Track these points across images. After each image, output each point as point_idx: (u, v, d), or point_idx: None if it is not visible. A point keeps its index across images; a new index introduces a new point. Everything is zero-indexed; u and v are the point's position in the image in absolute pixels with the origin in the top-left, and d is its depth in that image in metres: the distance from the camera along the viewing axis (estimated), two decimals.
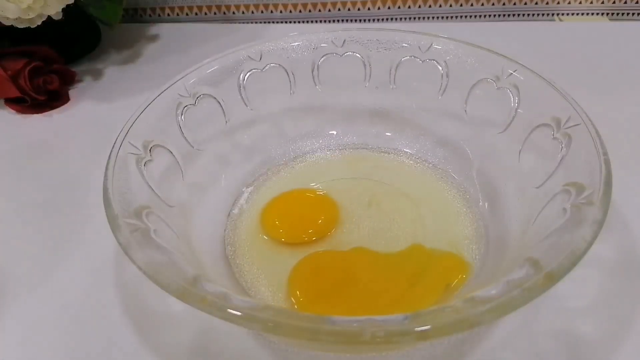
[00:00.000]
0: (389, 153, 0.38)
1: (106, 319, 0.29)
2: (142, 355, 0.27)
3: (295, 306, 0.28)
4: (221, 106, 0.35)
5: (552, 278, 0.20)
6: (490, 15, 0.60)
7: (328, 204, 0.34)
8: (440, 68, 0.35)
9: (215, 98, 0.34)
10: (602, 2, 0.58)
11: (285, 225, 0.33)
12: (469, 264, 0.29)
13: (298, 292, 0.28)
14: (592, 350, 0.26)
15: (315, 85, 0.37)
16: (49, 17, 0.44)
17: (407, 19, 0.61)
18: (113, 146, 0.27)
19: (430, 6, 0.60)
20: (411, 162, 0.37)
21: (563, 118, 0.28)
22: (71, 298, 0.30)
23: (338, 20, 0.62)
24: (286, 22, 0.63)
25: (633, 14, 0.58)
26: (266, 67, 0.36)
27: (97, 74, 0.52)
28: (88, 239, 0.34)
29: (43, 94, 0.47)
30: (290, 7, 0.61)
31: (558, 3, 0.59)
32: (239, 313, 0.19)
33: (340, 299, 0.28)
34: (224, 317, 0.19)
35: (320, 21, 0.62)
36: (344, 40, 0.37)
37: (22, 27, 0.43)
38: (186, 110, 0.32)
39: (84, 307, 0.30)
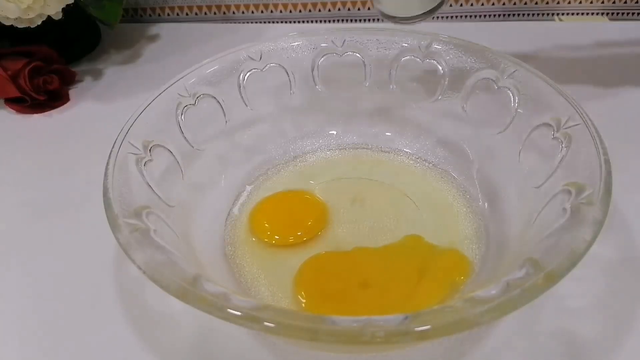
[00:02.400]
0: (389, 153, 0.38)
1: (106, 319, 0.29)
2: (142, 355, 0.27)
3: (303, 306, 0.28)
4: (221, 106, 0.35)
5: (552, 278, 0.20)
6: (490, 15, 0.60)
7: (315, 204, 0.34)
8: (440, 68, 0.35)
9: (215, 98, 0.34)
10: (602, 2, 0.58)
11: (274, 227, 0.32)
12: (472, 261, 0.29)
13: (305, 294, 0.28)
14: (592, 350, 0.26)
15: (315, 85, 0.37)
16: (49, 17, 0.44)
17: None
18: (113, 146, 0.27)
19: None
20: (411, 162, 0.37)
21: (563, 118, 0.28)
22: (71, 298, 0.30)
23: (338, 20, 0.62)
24: (286, 22, 0.63)
25: (633, 13, 0.58)
26: (266, 67, 0.36)
27: (97, 74, 0.52)
28: (88, 239, 0.34)
29: (43, 94, 0.47)
30: (290, 7, 0.61)
31: (558, 3, 0.59)
32: (239, 313, 0.19)
33: (349, 301, 0.28)
34: (224, 317, 0.19)
35: (320, 21, 0.62)
36: (344, 40, 0.37)
37: (22, 27, 0.43)
38: (186, 110, 0.32)
39: (84, 307, 0.30)
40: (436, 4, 0.33)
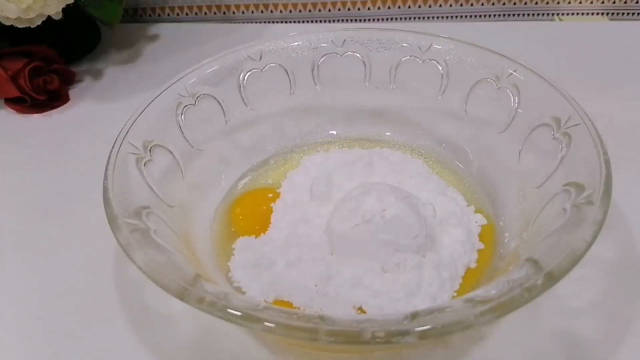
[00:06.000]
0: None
1: (106, 319, 0.29)
2: (142, 355, 0.27)
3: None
4: (221, 106, 0.35)
5: (552, 278, 0.20)
6: (490, 15, 0.60)
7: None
8: (440, 68, 0.35)
9: (215, 98, 0.34)
10: (602, 2, 0.58)
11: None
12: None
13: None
14: (592, 350, 0.26)
15: (315, 85, 0.37)
16: (49, 17, 0.44)
17: (407, 19, 0.61)
18: (113, 146, 0.27)
19: (430, 6, 0.60)
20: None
21: (563, 118, 0.28)
22: (71, 298, 0.30)
23: (338, 20, 0.62)
24: (286, 22, 0.63)
25: (633, 13, 0.58)
26: (266, 67, 0.36)
27: (97, 74, 0.52)
28: (88, 239, 0.34)
29: (43, 94, 0.47)
30: (290, 7, 0.61)
31: (558, 3, 0.59)
32: (239, 313, 0.19)
33: None
34: (224, 317, 0.19)
35: (320, 21, 0.62)
36: (344, 40, 0.37)
37: (22, 27, 0.43)
38: (186, 110, 0.32)
39: (84, 307, 0.30)
40: None
